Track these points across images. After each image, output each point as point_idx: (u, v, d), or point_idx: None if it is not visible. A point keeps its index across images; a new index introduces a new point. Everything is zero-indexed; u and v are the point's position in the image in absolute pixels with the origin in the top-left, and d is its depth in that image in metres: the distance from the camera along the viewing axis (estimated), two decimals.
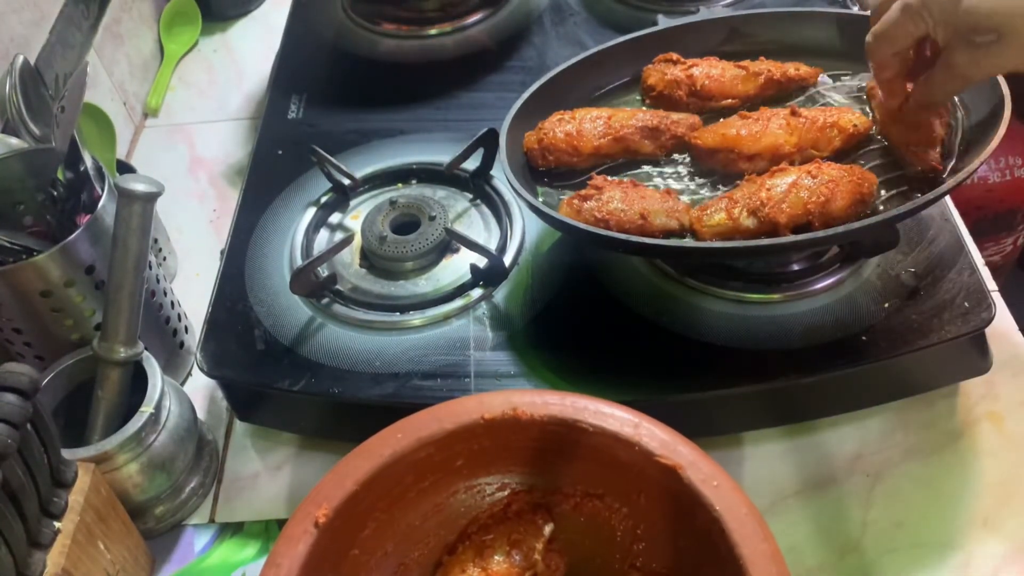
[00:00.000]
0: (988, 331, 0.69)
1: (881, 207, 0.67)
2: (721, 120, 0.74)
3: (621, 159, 0.75)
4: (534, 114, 0.76)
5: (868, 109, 0.74)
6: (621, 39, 0.81)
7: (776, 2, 0.91)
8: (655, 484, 0.53)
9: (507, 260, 0.75)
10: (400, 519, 0.57)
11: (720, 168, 0.72)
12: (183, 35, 1.19)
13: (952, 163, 0.68)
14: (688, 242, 0.68)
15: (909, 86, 0.66)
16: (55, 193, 0.72)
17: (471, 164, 0.82)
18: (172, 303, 0.80)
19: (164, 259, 0.89)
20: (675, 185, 0.73)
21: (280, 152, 0.89)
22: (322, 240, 0.81)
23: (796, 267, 0.72)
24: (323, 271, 0.76)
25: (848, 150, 0.72)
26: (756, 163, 0.70)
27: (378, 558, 0.57)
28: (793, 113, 0.72)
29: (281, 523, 0.72)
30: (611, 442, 0.53)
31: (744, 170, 0.70)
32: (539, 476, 0.58)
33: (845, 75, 0.78)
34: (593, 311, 0.72)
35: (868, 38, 0.64)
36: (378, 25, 1.05)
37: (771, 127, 0.71)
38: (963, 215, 0.77)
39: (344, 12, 1.07)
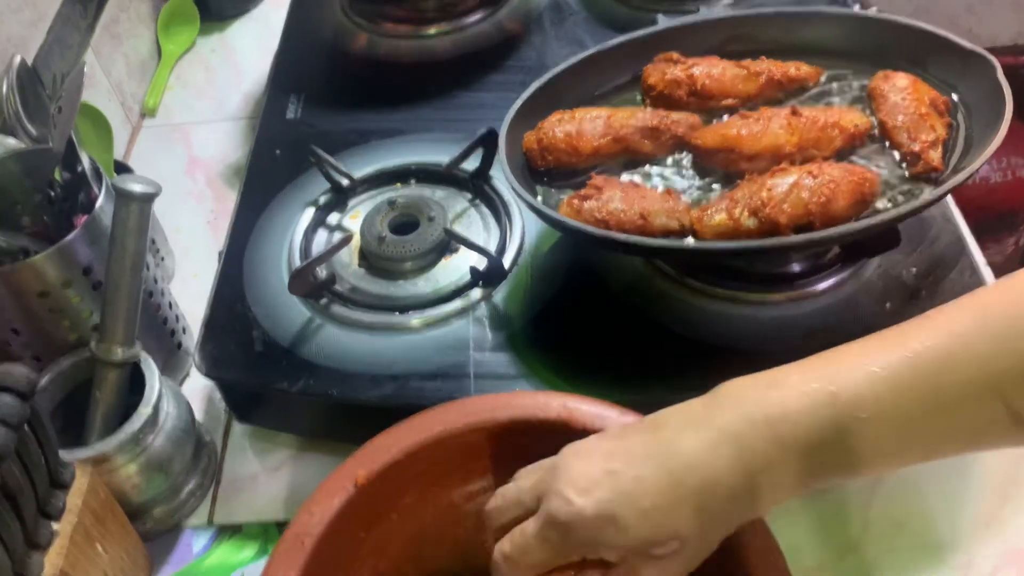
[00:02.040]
0: None
1: (882, 207, 0.67)
2: (722, 119, 0.74)
3: (621, 159, 0.75)
4: (534, 114, 0.76)
5: (869, 109, 0.74)
6: (621, 39, 0.81)
7: (777, 2, 0.91)
8: None
9: (507, 261, 0.75)
10: (443, 495, 0.57)
11: (721, 168, 0.72)
12: (181, 35, 1.19)
13: (953, 163, 0.68)
14: (688, 242, 0.68)
15: None
16: (52, 194, 0.72)
17: (470, 164, 0.82)
18: (170, 304, 0.79)
19: (162, 260, 0.89)
20: (675, 185, 0.73)
21: (278, 152, 0.89)
22: (321, 240, 0.81)
23: (797, 267, 0.72)
24: (322, 272, 0.76)
25: (849, 150, 0.71)
26: (757, 163, 0.70)
27: (414, 529, 0.57)
28: (794, 113, 0.71)
29: (280, 524, 0.72)
30: None
31: (745, 170, 0.70)
32: None
33: (846, 75, 0.78)
34: (593, 311, 0.72)
35: (498, 556, 0.48)
36: (377, 25, 1.04)
37: (772, 127, 0.70)
38: (965, 215, 0.77)
39: (342, 12, 1.07)
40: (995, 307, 0.43)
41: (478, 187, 0.83)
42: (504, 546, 0.47)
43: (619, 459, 0.45)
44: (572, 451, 0.47)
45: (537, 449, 0.55)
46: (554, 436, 0.54)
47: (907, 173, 0.69)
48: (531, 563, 0.46)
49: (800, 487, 0.45)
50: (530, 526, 0.46)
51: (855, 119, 0.71)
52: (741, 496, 0.44)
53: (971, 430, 0.43)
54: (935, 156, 0.67)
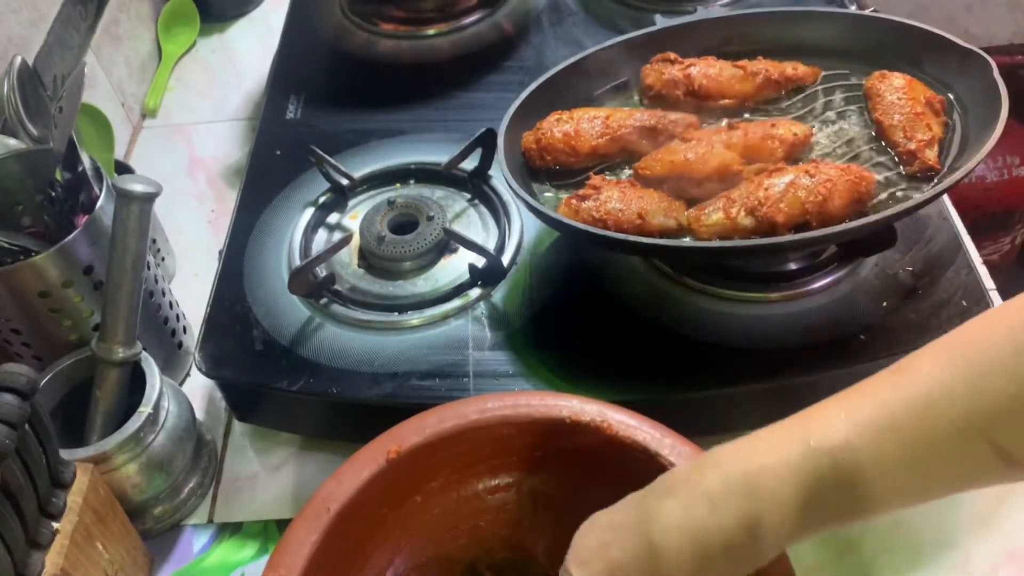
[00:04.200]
0: None
1: (879, 206, 0.67)
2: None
3: (619, 159, 0.75)
4: (532, 114, 0.76)
5: (867, 109, 0.74)
6: (619, 39, 0.81)
7: (774, 2, 0.91)
8: None
9: (505, 260, 0.75)
10: (468, 485, 0.57)
11: (671, 196, 0.70)
12: (181, 36, 1.19)
13: (949, 162, 0.68)
14: (686, 242, 0.68)
15: None
16: (53, 194, 0.72)
17: (469, 164, 0.82)
18: (171, 303, 0.80)
19: (163, 259, 0.89)
20: None
21: (278, 152, 0.89)
22: (320, 240, 0.81)
23: (794, 266, 0.72)
24: (321, 271, 0.76)
25: (793, 159, 0.71)
26: (706, 187, 0.69)
27: (436, 514, 0.57)
28: (730, 127, 0.71)
29: (280, 523, 0.72)
30: None
31: (695, 196, 0.70)
32: (609, 497, 0.57)
33: (843, 74, 0.78)
34: (591, 311, 0.72)
35: None
36: (376, 25, 1.05)
37: (716, 147, 0.70)
38: (961, 214, 0.77)
39: (342, 12, 1.07)
40: (967, 347, 0.42)
41: (477, 187, 0.83)
42: None
43: (612, 531, 0.47)
44: (588, 522, 0.50)
45: (566, 452, 0.56)
46: (585, 440, 0.55)
47: (903, 172, 0.69)
48: None
49: (797, 536, 0.45)
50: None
51: (793, 128, 0.71)
52: (728, 551, 0.44)
53: (960, 472, 0.43)
54: (931, 155, 0.68)
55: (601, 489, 0.57)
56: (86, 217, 0.68)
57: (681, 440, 0.53)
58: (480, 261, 0.74)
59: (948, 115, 0.71)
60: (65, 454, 0.61)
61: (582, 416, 0.54)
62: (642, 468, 0.53)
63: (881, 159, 0.71)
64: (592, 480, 0.57)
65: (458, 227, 0.79)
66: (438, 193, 0.83)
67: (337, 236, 0.80)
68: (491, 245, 0.78)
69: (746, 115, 0.77)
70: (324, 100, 0.96)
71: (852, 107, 0.75)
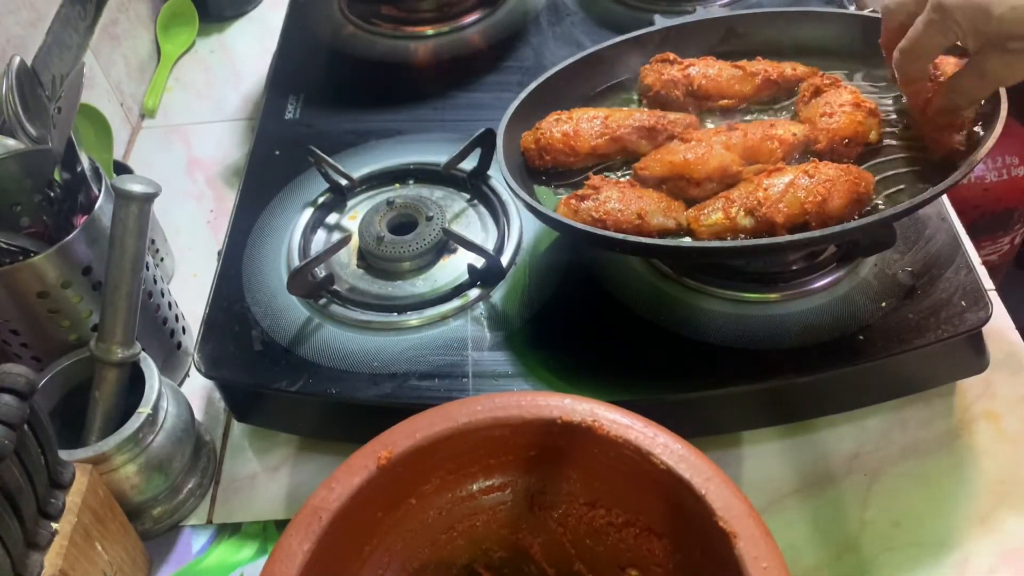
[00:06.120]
0: (985, 330, 0.69)
1: (878, 206, 0.67)
2: (664, 146, 0.73)
3: (618, 159, 0.75)
4: (531, 114, 0.76)
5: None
6: (618, 39, 0.81)
7: (773, 2, 0.91)
8: (707, 538, 0.52)
9: (504, 260, 0.75)
10: (462, 486, 0.57)
11: (669, 196, 0.70)
12: (180, 36, 1.19)
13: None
14: (685, 242, 0.68)
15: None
16: (52, 194, 0.72)
17: (468, 164, 0.82)
18: (169, 304, 0.80)
19: (161, 260, 0.89)
20: None
21: (277, 153, 0.89)
22: (319, 240, 0.81)
23: (793, 266, 0.72)
24: (320, 271, 0.76)
25: (790, 159, 0.71)
26: (705, 187, 0.69)
27: (432, 515, 0.57)
28: (730, 128, 0.71)
29: (279, 524, 0.72)
30: (678, 487, 0.52)
31: (694, 196, 0.70)
32: (604, 495, 0.57)
33: (842, 74, 0.78)
34: (591, 311, 0.73)
35: (896, 54, 0.63)
36: (375, 25, 1.05)
37: (716, 148, 0.70)
38: (960, 215, 0.77)
39: (341, 12, 1.07)
40: None
41: (476, 187, 0.83)
42: (901, 43, 0.62)
43: None
44: None
45: (560, 451, 0.56)
46: (578, 439, 0.55)
47: (901, 172, 0.69)
48: (920, 47, 0.61)
49: None
50: (920, 19, 0.60)
51: (792, 128, 0.71)
52: None
53: None
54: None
55: (597, 486, 0.57)
56: (85, 217, 0.68)
57: (674, 438, 0.53)
58: (479, 261, 0.74)
59: None
60: (64, 455, 0.61)
61: (573, 416, 0.54)
62: (636, 466, 0.53)
63: (881, 159, 0.70)
64: (588, 478, 0.57)
65: (457, 227, 0.79)
66: (437, 193, 0.83)
67: (336, 236, 0.80)
68: (490, 245, 0.78)
69: (746, 116, 0.77)
70: (323, 100, 0.96)
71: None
